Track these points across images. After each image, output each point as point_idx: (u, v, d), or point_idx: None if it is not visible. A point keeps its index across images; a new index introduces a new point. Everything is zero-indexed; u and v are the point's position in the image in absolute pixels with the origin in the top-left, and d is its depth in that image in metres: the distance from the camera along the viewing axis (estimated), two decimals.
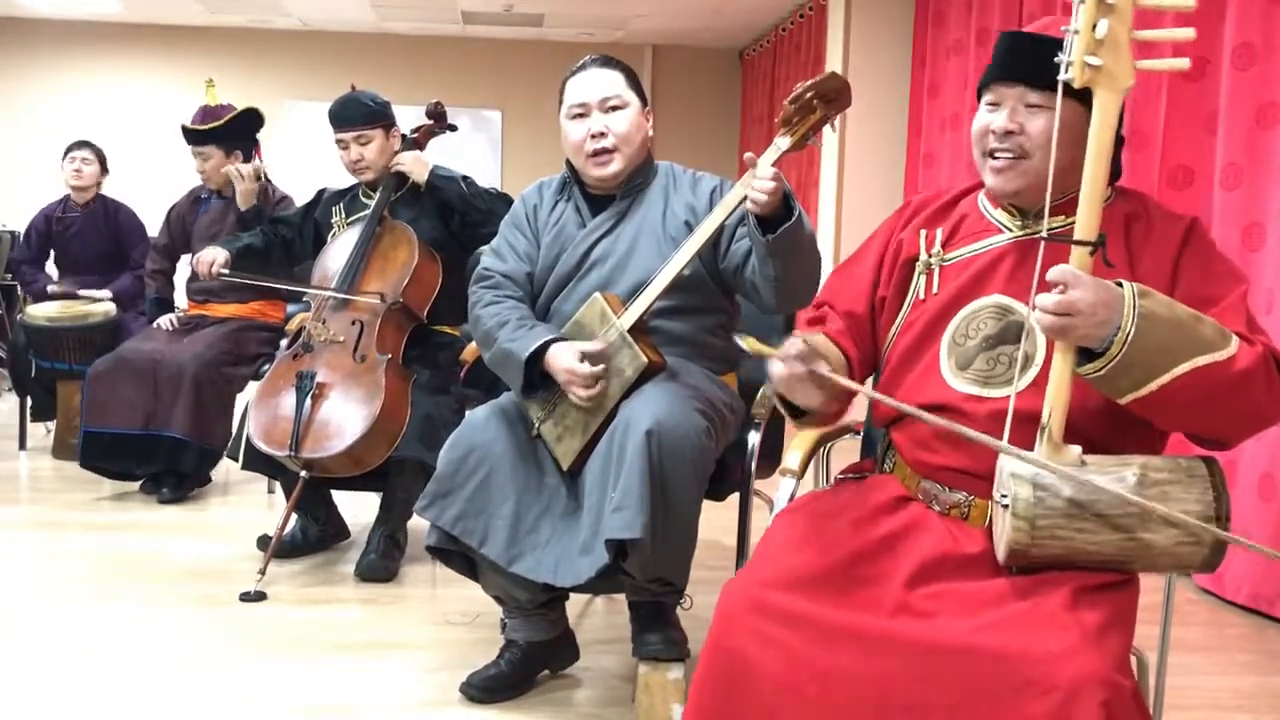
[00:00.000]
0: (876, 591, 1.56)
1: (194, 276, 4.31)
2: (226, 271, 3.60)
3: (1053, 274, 1.49)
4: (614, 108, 2.44)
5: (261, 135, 4.42)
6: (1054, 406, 1.53)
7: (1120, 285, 1.51)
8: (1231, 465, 3.32)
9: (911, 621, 1.50)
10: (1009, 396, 1.62)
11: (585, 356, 2.27)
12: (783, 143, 2.12)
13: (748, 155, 2.09)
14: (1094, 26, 1.48)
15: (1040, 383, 1.60)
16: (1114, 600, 1.52)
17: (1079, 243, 1.51)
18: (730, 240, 2.37)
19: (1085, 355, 1.52)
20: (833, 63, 6.19)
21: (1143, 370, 1.49)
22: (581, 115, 2.45)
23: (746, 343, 1.63)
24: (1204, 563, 1.53)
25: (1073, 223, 1.55)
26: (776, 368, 1.64)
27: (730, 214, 2.27)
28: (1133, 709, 1.38)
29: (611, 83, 2.45)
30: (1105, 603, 1.50)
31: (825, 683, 1.49)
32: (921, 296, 1.81)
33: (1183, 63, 1.55)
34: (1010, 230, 1.77)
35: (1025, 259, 1.71)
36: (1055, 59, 1.52)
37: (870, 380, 2.00)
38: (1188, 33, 1.53)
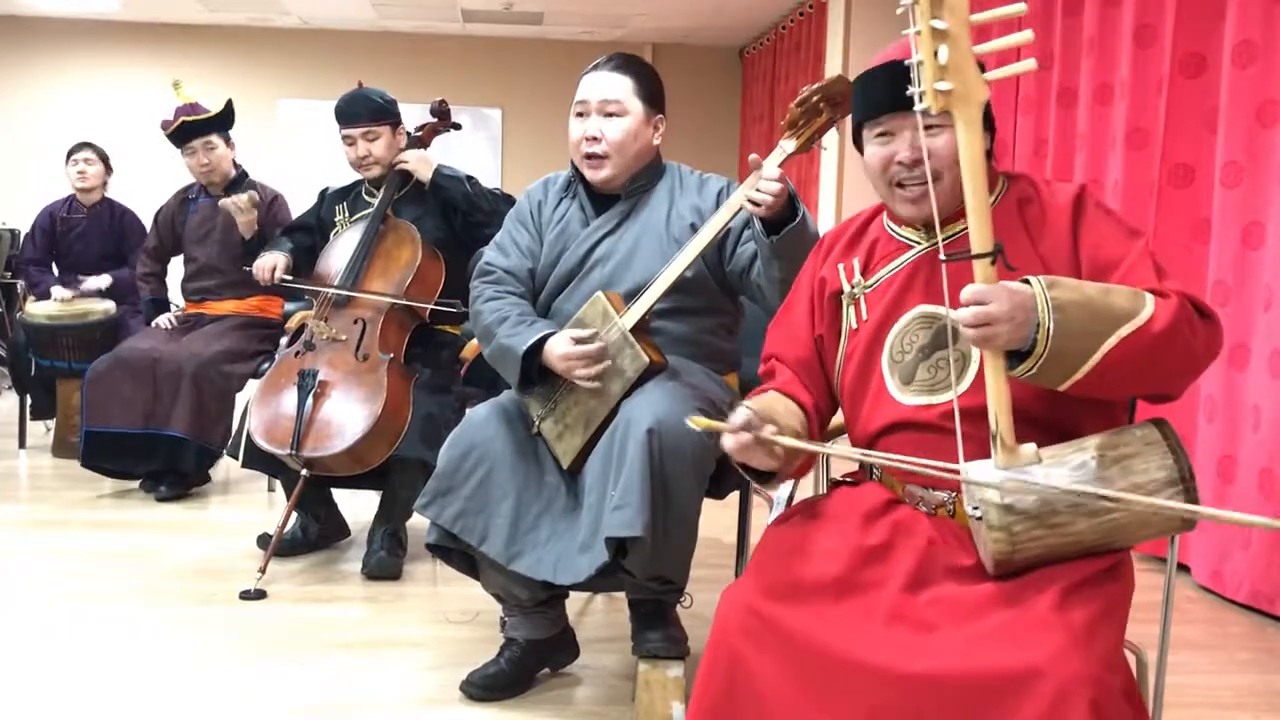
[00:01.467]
0: (871, 599, 1.58)
1: (189, 276, 4.32)
2: (288, 277, 3.54)
3: (965, 296, 1.53)
4: (611, 114, 2.43)
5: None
6: (998, 412, 1.56)
7: (1029, 283, 1.53)
8: (1231, 461, 3.32)
9: (906, 633, 1.51)
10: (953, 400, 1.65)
11: (578, 340, 2.27)
12: (788, 145, 2.13)
13: (752, 157, 2.09)
14: (935, 54, 1.52)
15: (981, 379, 1.62)
16: (1104, 594, 1.54)
17: (978, 256, 1.55)
18: (736, 243, 2.37)
19: (1015, 357, 1.55)
20: (833, 61, 6.20)
21: (1071, 357, 1.52)
22: (582, 115, 2.46)
23: (696, 423, 1.68)
24: (1184, 523, 1.58)
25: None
26: (728, 441, 1.68)
27: (734, 216, 2.27)
28: (1123, 705, 1.39)
29: (616, 87, 2.44)
30: (1094, 599, 1.51)
31: (823, 692, 1.51)
32: (854, 326, 1.85)
33: (1029, 64, 1.61)
34: (919, 243, 1.82)
35: (937, 265, 1.74)
36: (906, 91, 1.56)
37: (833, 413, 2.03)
38: (1025, 36, 1.58)
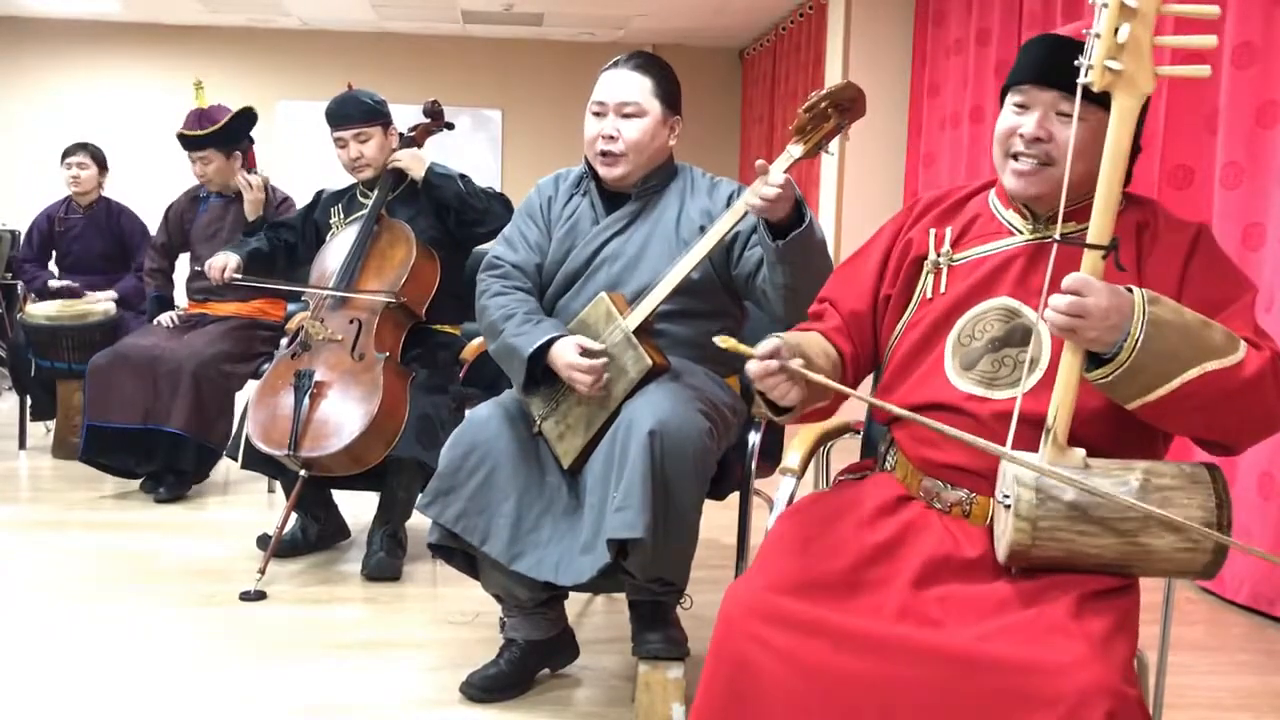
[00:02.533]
0: (880, 596, 1.56)
1: (194, 276, 4.32)
2: (239, 276, 3.58)
3: (1067, 282, 1.49)
4: (629, 114, 2.43)
5: (261, 135, 4.42)
6: (1060, 408, 1.53)
7: (1131, 291, 1.51)
8: (1231, 464, 3.31)
9: (916, 628, 1.50)
10: (1013, 398, 1.62)
11: (585, 352, 2.27)
12: (795, 150, 2.13)
13: (759, 162, 2.09)
14: (1116, 31, 1.48)
15: (1043, 387, 1.60)
16: (1118, 607, 1.52)
17: (1092, 246, 1.51)
18: (743, 247, 2.36)
19: (1094, 361, 1.52)
20: (833, 62, 6.20)
21: (1151, 376, 1.49)
22: (599, 114, 2.45)
23: (724, 342, 1.63)
24: (1204, 569, 1.53)
25: (1085, 229, 1.55)
26: (753, 366, 1.64)
27: (740, 220, 2.26)
28: (1138, 717, 1.38)
29: (635, 88, 2.43)
30: (1109, 610, 1.50)
31: (829, 690, 1.49)
32: (929, 295, 1.80)
33: (1203, 70, 1.55)
34: (1022, 233, 1.77)
35: (1035, 263, 1.71)
36: (1075, 62, 1.51)
37: (872, 379, 2.00)
38: (1209, 40, 1.52)
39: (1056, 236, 1.60)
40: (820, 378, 1.62)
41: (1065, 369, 1.53)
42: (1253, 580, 3.21)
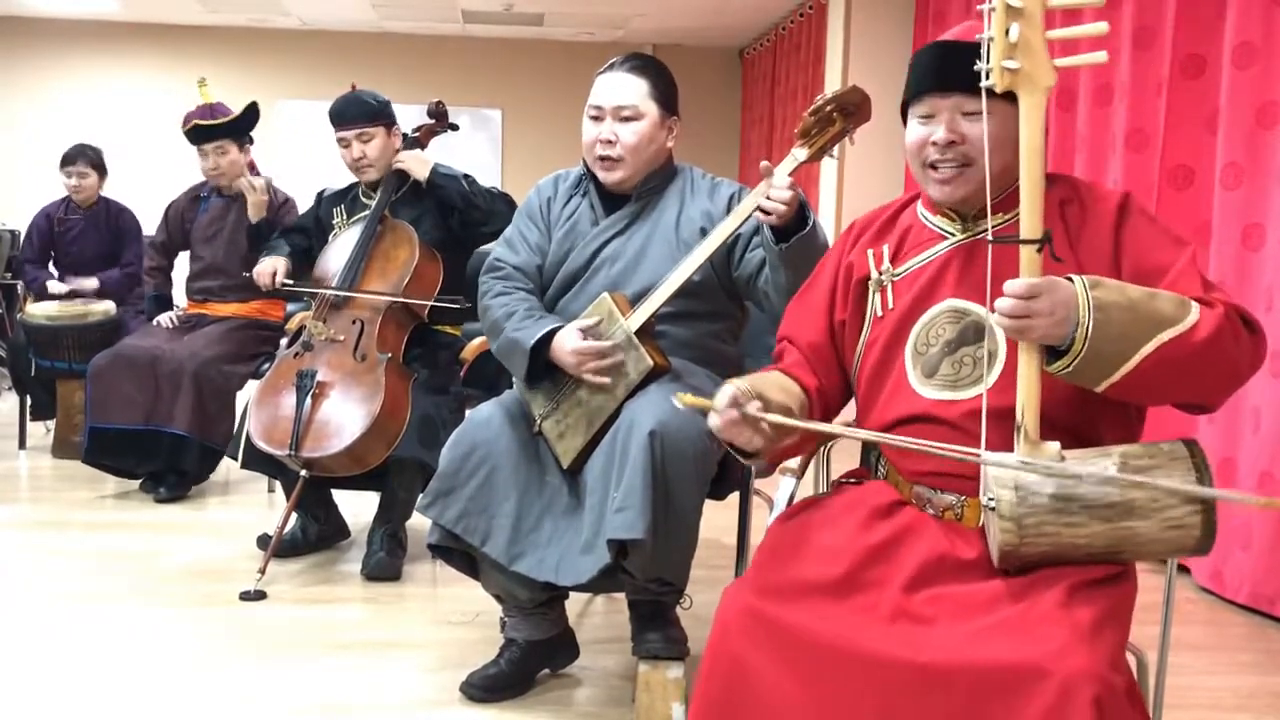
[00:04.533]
0: (874, 597, 1.57)
1: (194, 275, 4.32)
2: (290, 281, 3.54)
3: (1008, 288, 1.51)
4: (627, 118, 2.42)
5: (261, 134, 4.42)
6: (1025, 405, 1.55)
7: (1071, 280, 1.52)
8: (1231, 464, 3.32)
9: (909, 628, 1.50)
10: (979, 396, 1.64)
11: (585, 333, 2.27)
12: (800, 154, 2.13)
13: (764, 164, 2.08)
14: (1006, 31, 1.50)
15: (1007, 379, 1.62)
16: (1109, 596, 1.53)
17: (1026, 241, 1.54)
18: (745, 248, 2.36)
19: (1052, 354, 1.54)
20: (833, 62, 6.20)
21: (1109, 358, 1.51)
22: (596, 118, 2.45)
23: (680, 400, 1.67)
24: (1196, 544, 1.54)
25: (1012, 219, 1.58)
26: (713, 419, 1.65)
27: (744, 222, 2.27)
28: (1126, 705, 1.39)
29: (631, 91, 2.43)
30: (1100, 599, 1.51)
31: (824, 692, 1.50)
32: (879, 313, 1.83)
33: (1099, 56, 1.57)
34: (953, 234, 1.80)
35: (972, 260, 1.74)
36: (975, 66, 1.54)
37: (854, 404, 2.01)
38: (1100, 27, 1.54)
39: (989, 236, 1.61)
40: (777, 417, 1.64)
41: (1024, 367, 1.55)
42: (1253, 580, 3.22)
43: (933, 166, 1.74)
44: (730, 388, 1.64)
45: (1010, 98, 1.56)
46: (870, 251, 1.86)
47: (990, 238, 1.60)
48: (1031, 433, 1.55)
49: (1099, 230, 1.69)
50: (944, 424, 1.68)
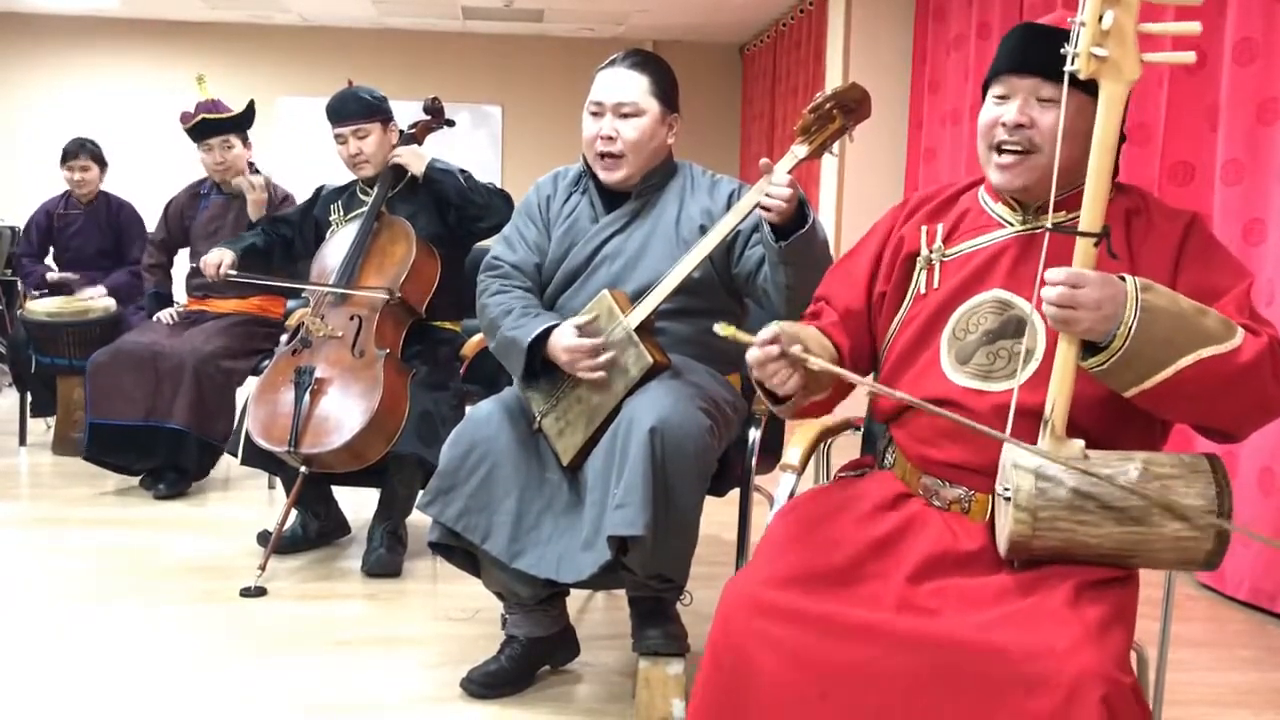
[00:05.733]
0: (878, 588, 1.56)
1: (194, 273, 4.32)
2: (234, 273, 3.59)
3: (1058, 274, 1.49)
4: (627, 114, 2.41)
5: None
6: (1057, 399, 1.54)
7: (1124, 279, 1.51)
8: (1232, 458, 3.31)
9: (914, 619, 1.50)
10: (1010, 390, 1.62)
11: (581, 330, 2.27)
12: (800, 151, 2.12)
13: (763, 161, 2.08)
14: (1100, 18, 1.48)
15: (1040, 377, 1.60)
16: (1115, 596, 1.53)
17: (1084, 234, 1.52)
18: (744, 246, 2.36)
19: (1089, 349, 1.53)
20: (833, 58, 6.19)
21: (1146, 363, 1.50)
22: (596, 114, 2.45)
23: (724, 330, 1.64)
24: (1206, 559, 1.53)
25: (1075, 217, 1.55)
26: (753, 353, 1.64)
27: (744, 219, 2.26)
28: (1133, 704, 1.39)
29: (632, 87, 2.42)
30: (1106, 599, 1.51)
31: (827, 682, 1.49)
32: (922, 291, 1.80)
33: (1188, 56, 1.55)
34: (1012, 225, 1.77)
35: (1026, 254, 1.71)
36: (1062, 50, 1.52)
37: (871, 378, 2.00)
38: (1193, 26, 1.52)
39: (1049, 225, 1.60)
40: (821, 362, 1.62)
41: (1061, 359, 1.54)
42: (1253, 576, 3.22)
43: (998, 149, 1.71)
44: (775, 326, 1.63)
45: (1088, 89, 1.54)
46: (924, 228, 1.83)
47: (1049, 225, 1.58)
48: (1058, 427, 1.53)
49: (1162, 245, 1.68)
50: (970, 413, 1.66)
